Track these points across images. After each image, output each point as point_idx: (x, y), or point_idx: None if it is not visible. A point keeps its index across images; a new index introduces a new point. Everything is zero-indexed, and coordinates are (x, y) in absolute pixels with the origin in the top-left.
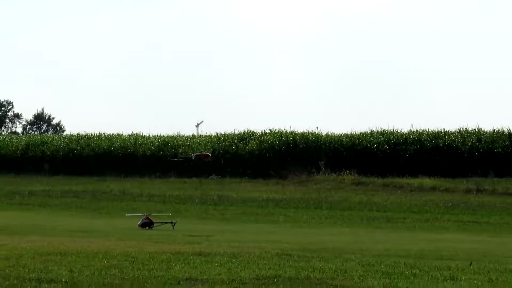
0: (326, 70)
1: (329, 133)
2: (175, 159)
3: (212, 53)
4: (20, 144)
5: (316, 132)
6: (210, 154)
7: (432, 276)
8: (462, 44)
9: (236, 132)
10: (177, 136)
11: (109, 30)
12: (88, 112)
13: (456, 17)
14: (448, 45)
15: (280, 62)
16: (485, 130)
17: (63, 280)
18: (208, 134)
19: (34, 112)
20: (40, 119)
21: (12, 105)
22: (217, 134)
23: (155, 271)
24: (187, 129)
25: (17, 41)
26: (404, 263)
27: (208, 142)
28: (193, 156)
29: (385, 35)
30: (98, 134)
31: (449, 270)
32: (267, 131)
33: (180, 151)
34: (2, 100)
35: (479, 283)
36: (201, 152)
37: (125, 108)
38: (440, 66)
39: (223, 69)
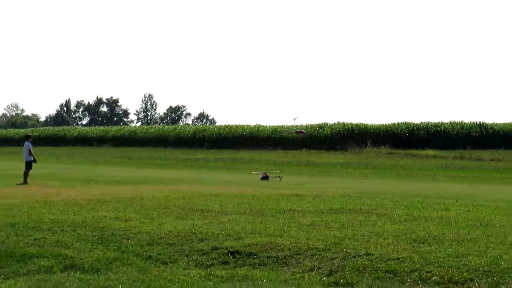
0: (370, 79)
1: (373, 124)
2: (285, 134)
3: (302, 66)
4: (190, 130)
5: (365, 123)
6: (304, 131)
7: (434, 207)
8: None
9: (318, 123)
10: (282, 126)
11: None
12: (231, 111)
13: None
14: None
15: (344, 71)
16: (465, 122)
17: (216, 210)
18: (301, 124)
19: (199, 111)
20: (202, 116)
21: (185, 108)
22: (306, 124)
23: (269, 205)
24: (288, 121)
25: (184, 60)
26: (417, 200)
27: (301, 129)
28: (295, 131)
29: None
30: (236, 125)
31: (444, 204)
32: (336, 122)
33: (284, 135)
34: (180, 104)
35: (461, 212)
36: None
37: (252, 108)
38: (442, 75)
39: (310, 78)
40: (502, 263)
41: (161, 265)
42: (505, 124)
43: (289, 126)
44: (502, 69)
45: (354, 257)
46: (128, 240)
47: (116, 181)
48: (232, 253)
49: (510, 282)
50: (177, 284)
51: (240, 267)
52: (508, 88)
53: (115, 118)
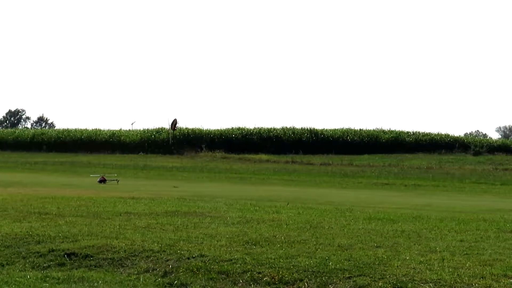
0: (204, 84)
1: (208, 128)
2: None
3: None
4: (29, 134)
5: (201, 128)
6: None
7: (266, 210)
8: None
9: (155, 127)
10: (119, 130)
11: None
12: (69, 114)
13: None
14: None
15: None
16: (297, 127)
17: (53, 213)
18: (139, 129)
19: (38, 115)
20: (41, 119)
21: (25, 112)
22: (143, 129)
23: (106, 207)
24: (126, 126)
25: (25, 58)
26: (250, 203)
27: (138, 134)
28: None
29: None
30: (74, 129)
31: (275, 207)
32: None
33: (121, 138)
34: (19, 108)
35: (292, 214)
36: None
37: (90, 112)
38: (274, 83)
39: (146, 82)
40: (330, 263)
41: None
42: (334, 130)
43: (126, 131)
44: (331, 76)
45: (188, 258)
46: None
47: None
48: (68, 255)
49: (337, 282)
50: (13, 286)
51: (76, 269)
52: (337, 95)
53: None
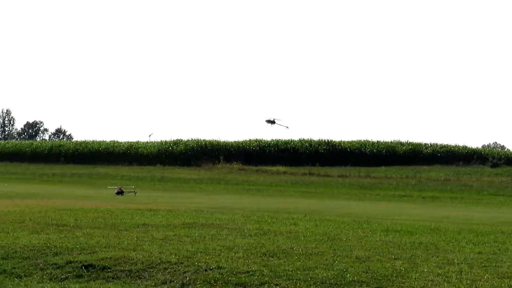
0: (221, 97)
1: (225, 141)
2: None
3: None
4: (47, 146)
5: (218, 140)
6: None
7: (283, 222)
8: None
9: (172, 139)
10: (137, 142)
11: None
12: (87, 126)
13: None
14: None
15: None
16: (314, 139)
17: (71, 224)
18: (156, 141)
19: (56, 127)
20: (59, 131)
21: (43, 123)
22: (161, 140)
23: (124, 219)
24: (143, 137)
25: (40, 75)
26: (267, 215)
27: (155, 145)
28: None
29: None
30: (92, 140)
31: (293, 219)
32: (189, 139)
33: (139, 150)
34: (37, 120)
35: (310, 226)
36: None
37: (108, 124)
38: (290, 95)
39: (163, 95)
40: (348, 276)
41: (15, 278)
42: (351, 141)
43: (144, 143)
44: (348, 89)
45: (206, 270)
46: None
47: None
48: (86, 266)
49: None
50: None
51: (94, 281)
52: (354, 107)
53: None
